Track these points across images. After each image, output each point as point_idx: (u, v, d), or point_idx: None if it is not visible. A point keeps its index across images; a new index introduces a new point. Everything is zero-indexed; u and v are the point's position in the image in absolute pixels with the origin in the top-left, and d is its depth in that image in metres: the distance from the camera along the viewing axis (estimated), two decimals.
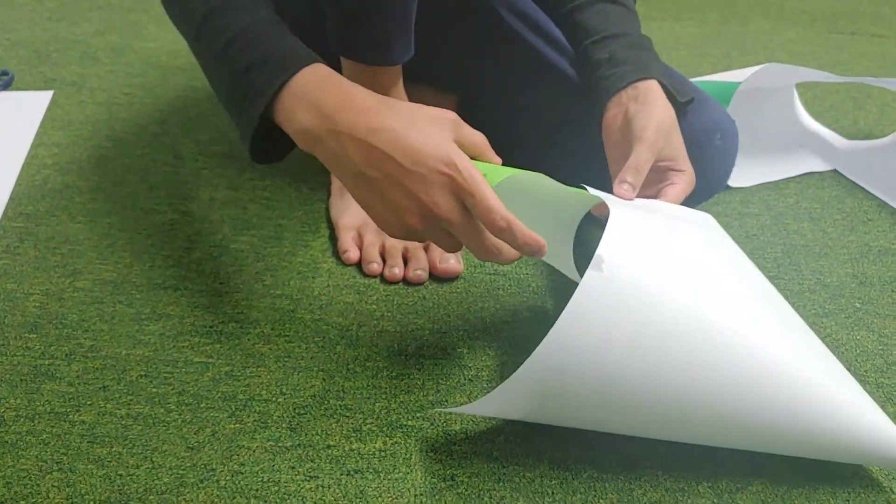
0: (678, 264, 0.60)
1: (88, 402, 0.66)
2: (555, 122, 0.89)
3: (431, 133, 0.59)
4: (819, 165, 1.06)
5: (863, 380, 0.72)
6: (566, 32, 0.86)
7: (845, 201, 0.99)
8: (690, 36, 1.52)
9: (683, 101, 0.77)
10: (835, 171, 1.05)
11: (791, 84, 1.09)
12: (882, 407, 0.69)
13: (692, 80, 1.01)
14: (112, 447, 0.62)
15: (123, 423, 0.64)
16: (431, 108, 0.62)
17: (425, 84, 0.95)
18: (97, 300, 0.76)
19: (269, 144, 0.68)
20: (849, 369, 0.72)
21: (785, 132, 1.10)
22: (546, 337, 0.56)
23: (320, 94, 0.61)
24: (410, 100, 0.86)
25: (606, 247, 0.58)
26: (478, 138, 0.63)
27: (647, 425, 0.60)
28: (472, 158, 0.62)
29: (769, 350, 0.58)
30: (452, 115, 0.62)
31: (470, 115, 0.98)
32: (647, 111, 0.72)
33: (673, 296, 0.58)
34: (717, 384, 0.57)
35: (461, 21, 0.88)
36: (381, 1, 0.71)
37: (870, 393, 0.70)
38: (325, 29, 0.74)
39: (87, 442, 0.62)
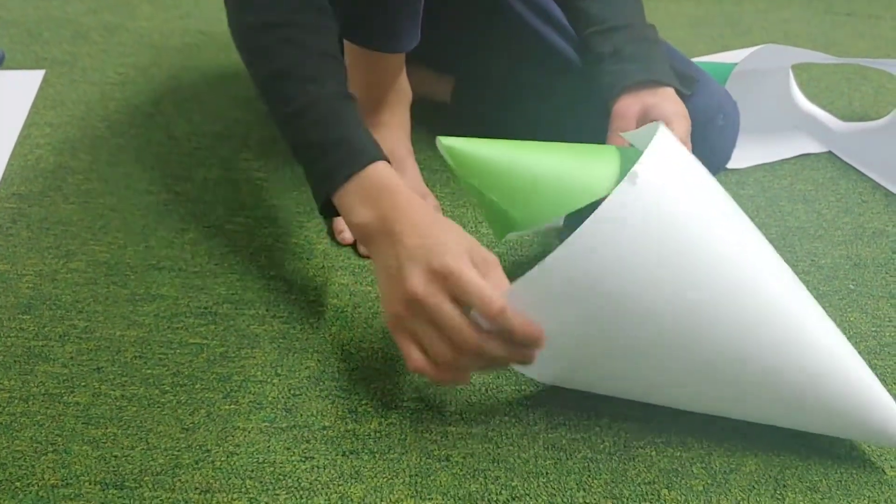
0: (709, 205, 0.60)
1: (83, 384, 0.65)
2: (551, 101, 0.89)
3: (443, 231, 0.59)
4: (814, 147, 1.06)
5: None
6: (568, 15, 0.85)
7: (840, 183, 0.99)
8: (686, 16, 1.51)
9: (688, 94, 0.78)
10: (830, 152, 1.05)
11: (787, 65, 1.09)
12: None
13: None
14: (107, 428, 0.62)
15: (118, 404, 0.64)
16: (458, 227, 0.61)
17: (425, 65, 0.94)
18: (91, 281, 0.76)
19: None
20: None
21: (780, 114, 1.09)
22: (573, 235, 0.54)
23: (382, 198, 0.62)
24: (410, 80, 0.86)
25: (644, 165, 0.57)
26: (489, 259, 0.59)
27: (647, 363, 0.59)
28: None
29: (784, 309, 0.59)
30: (472, 239, 0.60)
31: (467, 96, 0.98)
32: (667, 105, 0.74)
33: (702, 229, 0.58)
34: (729, 328, 0.58)
35: (461, 2, 0.87)
36: None
37: None
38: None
39: (82, 423, 0.62)
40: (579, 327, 0.58)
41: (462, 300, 0.56)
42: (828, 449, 0.63)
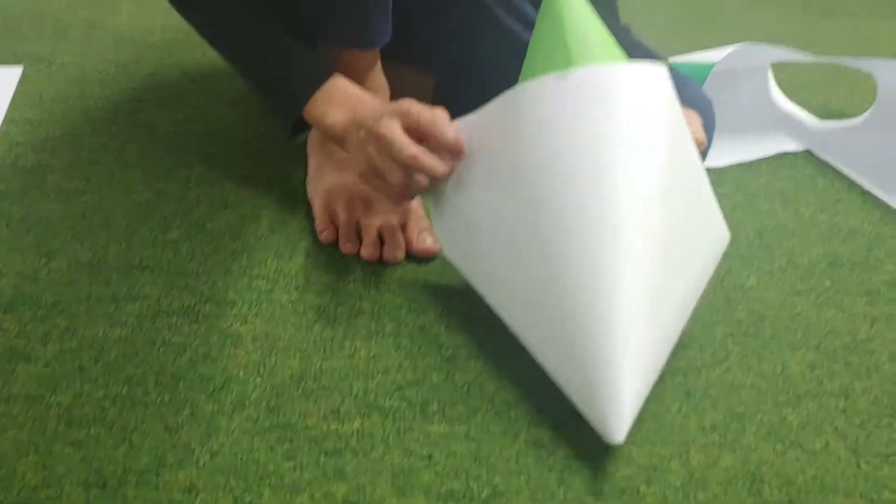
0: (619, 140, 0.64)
1: (65, 384, 0.65)
2: None
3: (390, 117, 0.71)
4: (792, 145, 1.07)
5: (832, 357, 0.73)
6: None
7: (817, 181, 1.00)
8: (665, 16, 1.52)
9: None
10: (807, 151, 1.06)
11: (766, 64, 1.10)
12: (849, 384, 0.70)
13: (669, 59, 1.02)
14: (90, 429, 0.62)
15: (101, 404, 0.64)
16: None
17: (405, 65, 0.95)
18: (73, 280, 0.76)
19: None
20: (817, 348, 0.74)
21: (758, 112, 1.11)
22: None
23: (346, 101, 0.78)
24: (389, 80, 0.86)
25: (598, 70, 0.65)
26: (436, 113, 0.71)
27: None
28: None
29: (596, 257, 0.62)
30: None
31: (448, 96, 0.98)
32: None
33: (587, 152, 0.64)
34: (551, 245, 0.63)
35: (440, 3, 0.88)
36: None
37: (838, 371, 0.72)
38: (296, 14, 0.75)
39: (64, 424, 0.62)
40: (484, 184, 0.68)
41: (418, 129, 0.70)
42: (803, 444, 0.64)
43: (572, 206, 0.63)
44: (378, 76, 0.84)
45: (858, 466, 0.63)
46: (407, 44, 0.85)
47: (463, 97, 0.97)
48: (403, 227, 0.82)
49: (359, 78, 0.82)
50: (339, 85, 0.78)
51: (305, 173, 0.91)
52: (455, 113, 0.72)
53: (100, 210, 0.85)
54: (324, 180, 0.85)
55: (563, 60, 0.68)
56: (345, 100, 0.77)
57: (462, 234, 0.71)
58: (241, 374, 0.67)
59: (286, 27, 0.79)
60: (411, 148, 0.69)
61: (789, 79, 1.26)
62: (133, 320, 0.72)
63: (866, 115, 1.07)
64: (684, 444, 0.64)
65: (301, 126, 0.84)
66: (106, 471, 0.59)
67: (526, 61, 0.72)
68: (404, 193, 0.73)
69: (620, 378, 0.60)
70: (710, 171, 1.00)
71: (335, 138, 0.78)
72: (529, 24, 0.89)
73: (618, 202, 0.62)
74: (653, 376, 0.63)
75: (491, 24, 0.89)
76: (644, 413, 0.66)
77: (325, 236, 0.82)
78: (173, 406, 0.64)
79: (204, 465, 0.60)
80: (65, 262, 0.78)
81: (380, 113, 0.71)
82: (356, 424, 0.64)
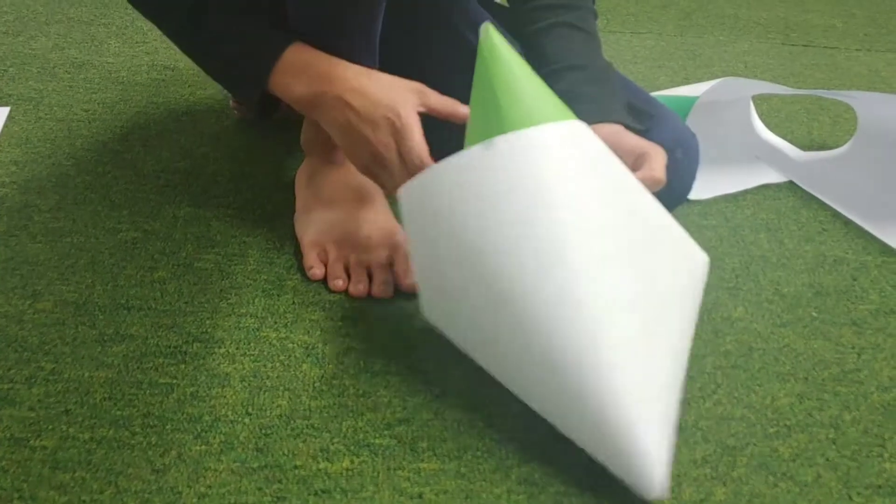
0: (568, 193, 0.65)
1: (50, 427, 0.65)
2: None
3: (391, 90, 0.74)
4: (775, 177, 1.08)
5: (821, 388, 0.73)
6: (528, 53, 0.87)
7: (801, 212, 1.01)
8: (648, 49, 1.54)
9: (642, 129, 0.80)
10: (790, 182, 1.08)
11: (748, 97, 1.12)
12: (839, 415, 0.70)
13: (652, 94, 1.03)
14: (75, 472, 0.61)
15: (87, 447, 0.63)
16: (403, 79, 0.76)
17: None
18: (58, 322, 0.75)
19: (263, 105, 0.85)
20: (806, 379, 0.74)
21: (741, 144, 1.12)
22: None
23: (309, 67, 0.77)
24: None
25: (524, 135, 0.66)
26: (447, 100, 0.75)
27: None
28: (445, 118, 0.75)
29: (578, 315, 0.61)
30: (419, 84, 0.75)
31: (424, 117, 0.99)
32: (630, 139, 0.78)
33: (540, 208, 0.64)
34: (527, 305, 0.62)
35: (424, 36, 0.88)
36: (349, 22, 0.75)
37: (827, 402, 0.72)
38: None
39: (49, 468, 0.61)
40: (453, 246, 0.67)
41: (401, 150, 0.73)
42: (795, 476, 0.64)
43: (531, 280, 0.62)
44: None
45: (850, 498, 0.63)
46: (380, 61, 0.86)
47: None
48: (392, 264, 0.82)
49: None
50: (300, 53, 0.77)
51: (293, 210, 0.91)
52: (430, 130, 0.75)
53: (86, 250, 0.85)
54: (311, 217, 0.85)
55: (495, 120, 0.67)
56: (307, 67, 0.76)
57: (442, 300, 0.69)
58: (230, 414, 0.67)
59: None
60: (426, 158, 0.72)
61: (771, 111, 1.28)
62: (119, 361, 0.71)
63: (848, 146, 1.08)
64: (676, 478, 0.63)
65: (272, 105, 0.85)
66: None
67: (470, 115, 0.72)
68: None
69: (638, 437, 0.59)
70: (694, 203, 1.01)
71: (304, 110, 0.78)
72: None
73: (574, 265, 0.62)
74: (673, 414, 0.62)
75: (461, 46, 0.90)
76: None
77: (313, 273, 0.82)
78: (160, 448, 0.63)
79: None
80: (50, 302, 0.77)
81: (379, 89, 0.73)
82: (346, 463, 0.63)
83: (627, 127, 0.79)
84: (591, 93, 0.80)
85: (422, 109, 0.75)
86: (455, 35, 0.89)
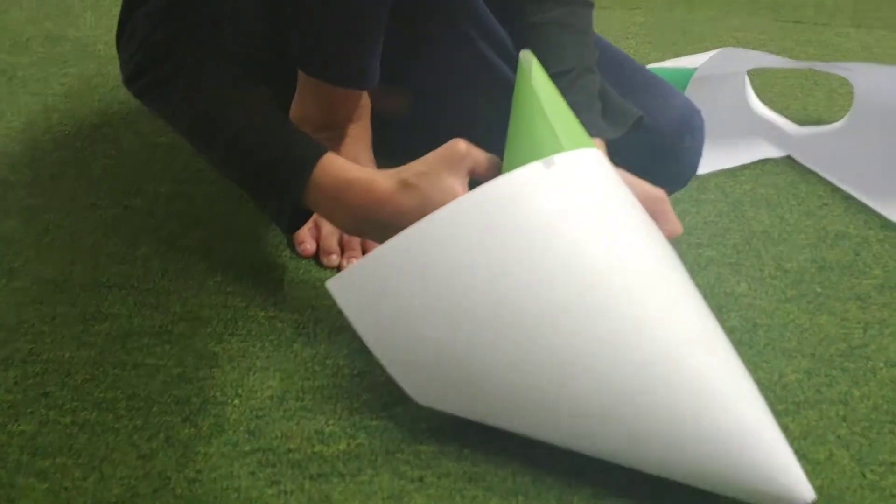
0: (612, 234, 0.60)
1: (29, 411, 0.61)
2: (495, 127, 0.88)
3: (447, 185, 0.63)
4: (773, 152, 1.06)
5: (828, 364, 0.71)
6: (514, 41, 0.84)
7: (800, 187, 0.99)
8: (638, 24, 1.51)
9: (627, 130, 0.76)
10: (788, 156, 1.06)
11: (742, 71, 1.10)
12: (848, 391, 0.69)
13: (649, 66, 1.00)
14: (56, 458, 0.58)
15: (68, 431, 0.60)
16: (439, 152, 0.64)
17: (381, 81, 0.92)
18: (37, 300, 0.72)
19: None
20: (813, 355, 0.72)
21: (738, 119, 1.10)
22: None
23: (344, 196, 0.66)
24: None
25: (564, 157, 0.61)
26: (492, 158, 0.65)
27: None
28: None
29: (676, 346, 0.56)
30: (461, 144, 0.64)
31: (423, 113, 0.96)
32: None
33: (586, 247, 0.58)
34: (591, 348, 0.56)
35: (423, 30, 0.86)
36: (357, 27, 0.72)
37: (835, 378, 0.70)
38: (283, 46, 0.72)
39: (28, 454, 0.58)
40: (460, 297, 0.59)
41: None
42: (807, 454, 0.62)
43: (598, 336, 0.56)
44: (363, 98, 0.82)
45: (864, 476, 0.61)
46: (384, 63, 0.83)
47: (437, 115, 0.95)
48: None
49: (344, 103, 0.79)
50: (326, 170, 0.68)
51: None
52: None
53: (64, 227, 0.81)
54: None
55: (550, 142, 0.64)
56: (337, 195, 0.67)
57: (448, 373, 0.60)
58: (219, 395, 0.64)
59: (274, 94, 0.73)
60: None
61: (766, 86, 1.25)
62: (102, 341, 0.68)
63: (845, 120, 1.06)
64: None
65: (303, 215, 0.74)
66: (75, 503, 0.55)
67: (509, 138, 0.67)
68: None
69: (773, 450, 0.55)
70: (693, 178, 0.99)
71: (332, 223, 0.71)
72: (504, 51, 0.87)
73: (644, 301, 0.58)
74: (767, 411, 0.57)
75: (467, 47, 0.87)
76: None
77: (304, 248, 0.79)
78: (146, 432, 0.60)
79: (181, 494, 0.56)
80: (28, 280, 0.74)
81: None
82: (342, 446, 0.60)
83: (608, 141, 0.76)
84: (572, 102, 0.77)
85: (467, 178, 0.65)
86: (457, 33, 0.86)
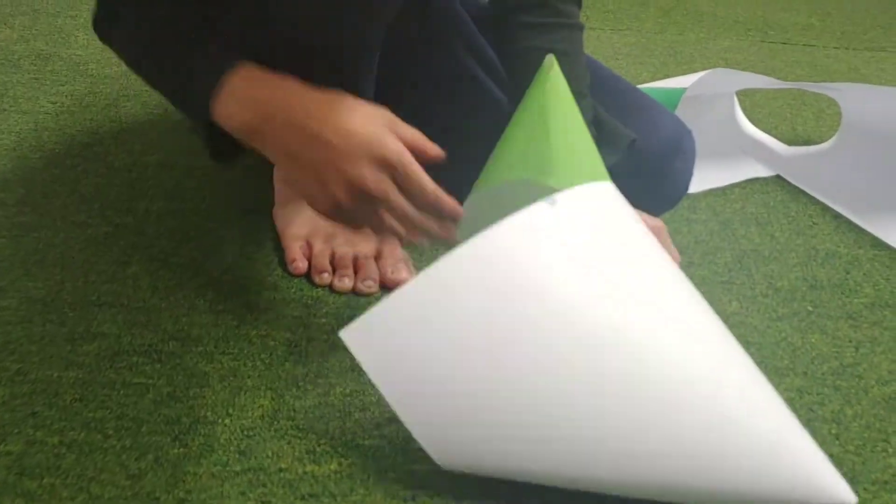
0: (615, 268, 0.58)
1: (16, 431, 0.61)
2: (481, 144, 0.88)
3: (364, 117, 0.63)
4: (762, 171, 1.07)
5: (820, 383, 0.71)
6: (510, 83, 0.85)
7: (790, 206, 1.00)
8: (629, 45, 1.53)
9: (621, 154, 0.76)
10: (778, 176, 1.06)
11: (731, 91, 1.10)
12: (840, 409, 0.69)
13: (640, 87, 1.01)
14: (43, 479, 0.57)
15: (56, 451, 0.59)
16: (367, 103, 0.65)
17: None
18: (25, 319, 0.71)
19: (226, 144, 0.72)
20: (805, 373, 0.72)
21: (727, 139, 1.11)
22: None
23: (256, 91, 0.65)
24: None
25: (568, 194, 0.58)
26: (414, 132, 0.64)
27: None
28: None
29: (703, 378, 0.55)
30: (387, 111, 0.65)
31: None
32: None
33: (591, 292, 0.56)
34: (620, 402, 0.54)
35: (416, 51, 0.86)
36: (353, 57, 0.72)
37: (828, 396, 0.70)
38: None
39: (15, 474, 0.57)
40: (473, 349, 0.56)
41: (405, 185, 0.62)
42: None
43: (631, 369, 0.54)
44: None
45: (857, 494, 0.61)
46: (375, 81, 0.83)
47: (425, 132, 0.95)
48: (377, 258, 0.79)
49: None
50: (243, 75, 0.66)
51: (271, 203, 0.88)
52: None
53: (54, 245, 0.81)
54: (292, 210, 0.82)
55: (544, 158, 0.63)
56: (251, 91, 0.65)
57: (476, 429, 0.56)
58: (209, 415, 0.63)
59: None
60: (440, 191, 0.63)
61: (755, 106, 1.26)
62: (91, 361, 0.67)
63: (833, 140, 1.07)
64: None
65: (233, 147, 0.73)
66: None
67: (503, 147, 0.67)
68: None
69: (809, 461, 0.54)
70: (684, 198, 0.99)
71: (248, 141, 0.67)
72: (494, 71, 0.88)
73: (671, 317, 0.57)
74: (792, 419, 0.57)
75: (456, 66, 0.87)
76: None
77: (296, 267, 0.78)
78: (135, 451, 0.60)
79: None
80: (16, 299, 0.73)
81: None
82: (333, 466, 0.60)
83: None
84: None
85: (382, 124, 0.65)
86: (449, 53, 0.86)
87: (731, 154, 1.09)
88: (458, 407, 0.56)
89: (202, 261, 0.80)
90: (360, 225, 0.66)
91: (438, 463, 0.57)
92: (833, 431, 0.66)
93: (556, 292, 0.55)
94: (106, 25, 0.75)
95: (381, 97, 0.89)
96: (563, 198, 0.58)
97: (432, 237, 0.65)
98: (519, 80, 0.84)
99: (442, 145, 0.66)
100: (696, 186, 1.02)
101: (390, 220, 0.64)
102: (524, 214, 0.57)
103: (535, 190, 0.62)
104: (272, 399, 0.65)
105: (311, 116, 0.63)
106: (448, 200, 0.63)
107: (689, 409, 0.54)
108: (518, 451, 0.55)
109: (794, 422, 0.56)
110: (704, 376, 0.55)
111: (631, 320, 0.55)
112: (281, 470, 0.59)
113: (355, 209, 0.63)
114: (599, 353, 0.54)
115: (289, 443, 0.61)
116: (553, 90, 0.65)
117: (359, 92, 0.74)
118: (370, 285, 0.77)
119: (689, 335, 0.56)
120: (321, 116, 0.63)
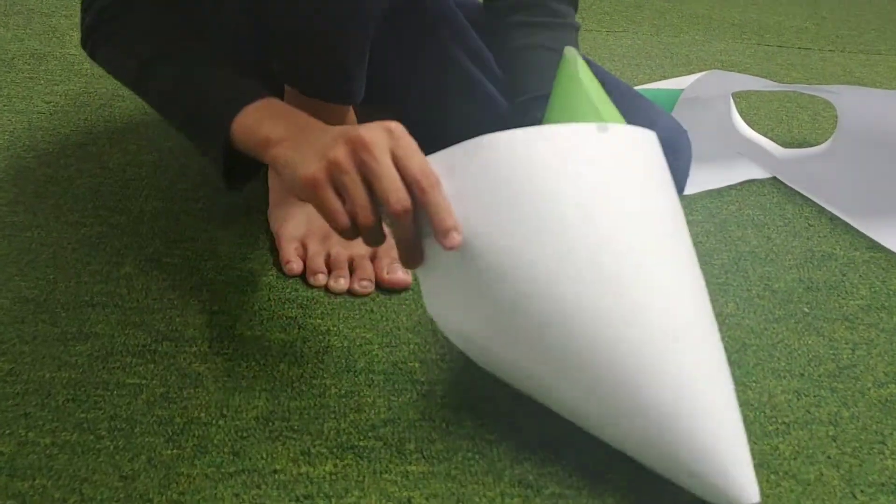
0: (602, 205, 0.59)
1: (8, 431, 0.60)
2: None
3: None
4: (758, 173, 1.07)
5: (817, 384, 0.71)
6: (507, 82, 0.85)
7: (786, 208, 1.00)
8: (625, 47, 1.53)
9: None
10: (774, 178, 1.06)
11: (727, 93, 1.10)
12: (837, 411, 0.68)
13: (636, 88, 1.01)
14: (35, 480, 0.57)
15: (48, 452, 0.59)
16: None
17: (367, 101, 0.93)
18: (17, 319, 0.70)
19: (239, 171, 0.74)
20: (802, 375, 0.72)
21: (723, 141, 1.10)
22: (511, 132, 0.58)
23: (284, 114, 0.67)
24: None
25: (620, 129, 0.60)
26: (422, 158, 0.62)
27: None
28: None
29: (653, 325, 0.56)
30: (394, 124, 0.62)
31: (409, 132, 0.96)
32: None
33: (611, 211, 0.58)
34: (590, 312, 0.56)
35: (412, 50, 0.86)
36: (343, 41, 0.71)
37: (825, 398, 0.70)
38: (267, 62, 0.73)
39: (6, 475, 0.57)
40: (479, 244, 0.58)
41: (398, 152, 0.59)
42: (797, 474, 0.62)
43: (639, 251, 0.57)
44: (349, 114, 0.82)
45: (854, 497, 0.61)
46: (370, 80, 0.83)
47: (421, 131, 0.95)
48: (372, 258, 0.78)
49: (331, 119, 0.78)
50: (276, 102, 0.68)
51: (266, 203, 0.87)
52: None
53: (47, 245, 0.80)
54: (287, 210, 0.81)
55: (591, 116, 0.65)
56: (283, 114, 0.66)
57: (469, 310, 0.60)
58: (203, 415, 0.63)
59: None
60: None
61: (751, 108, 1.26)
62: (83, 361, 0.67)
63: (829, 142, 1.07)
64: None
65: (244, 172, 0.74)
66: None
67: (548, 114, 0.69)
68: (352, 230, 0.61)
69: (734, 447, 0.55)
70: (680, 199, 0.99)
71: (268, 148, 0.65)
72: (490, 70, 0.88)
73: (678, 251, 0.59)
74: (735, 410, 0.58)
75: (452, 65, 0.87)
76: None
77: (290, 268, 0.78)
78: (128, 452, 0.59)
79: None
80: (8, 299, 0.73)
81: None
82: (328, 467, 0.59)
83: None
84: None
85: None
86: (444, 51, 0.86)
87: (727, 156, 1.09)
88: (475, 270, 0.59)
89: (196, 261, 0.80)
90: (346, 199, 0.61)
91: (440, 327, 0.63)
92: (830, 433, 0.66)
93: (585, 201, 0.58)
94: (99, 41, 0.76)
95: (375, 95, 0.89)
96: (614, 129, 0.60)
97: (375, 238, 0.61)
98: (514, 79, 0.84)
99: (436, 143, 0.66)
100: (692, 188, 1.01)
101: (362, 198, 0.59)
102: (574, 126, 0.60)
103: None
104: (267, 400, 0.65)
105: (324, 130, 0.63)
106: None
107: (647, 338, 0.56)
108: (510, 335, 0.59)
109: (735, 414, 0.57)
110: (677, 327, 0.56)
111: (632, 246, 0.58)
112: (275, 471, 0.59)
113: (349, 173, 0.59)
114: (588, 266, 0.57)
115: (283, 444, 0.61)
116: (585, 74, 0.67)
117: (350, 79, 0.74)
118: (366, 286, 0.76)
119: (677, 287, 0.58)
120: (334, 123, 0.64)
